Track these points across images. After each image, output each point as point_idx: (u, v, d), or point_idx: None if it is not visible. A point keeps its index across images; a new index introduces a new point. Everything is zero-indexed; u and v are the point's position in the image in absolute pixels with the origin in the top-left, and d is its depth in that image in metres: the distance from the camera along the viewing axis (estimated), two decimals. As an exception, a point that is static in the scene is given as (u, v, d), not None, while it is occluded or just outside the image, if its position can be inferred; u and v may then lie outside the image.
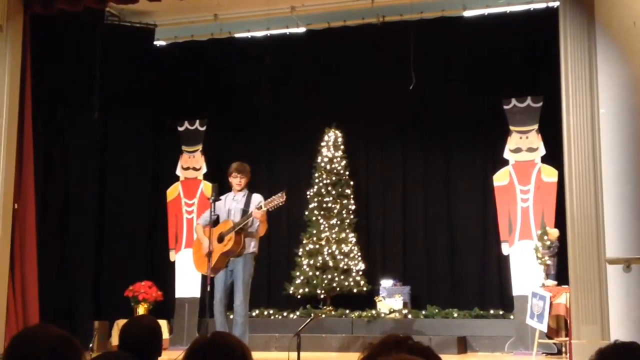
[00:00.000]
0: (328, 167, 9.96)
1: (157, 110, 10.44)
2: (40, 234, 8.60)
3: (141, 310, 9.20)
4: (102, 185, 9.89)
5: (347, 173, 10.04)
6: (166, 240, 10.06)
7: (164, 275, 9.88)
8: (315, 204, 9.88)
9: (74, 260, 9.29)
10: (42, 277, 8.47)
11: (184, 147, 10.24)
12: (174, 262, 9.94)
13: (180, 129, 10.26)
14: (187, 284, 9.69)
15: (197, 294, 9.59)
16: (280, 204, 6.83)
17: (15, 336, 2.17)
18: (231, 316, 7.14)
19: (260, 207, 6.81)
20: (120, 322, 9.06)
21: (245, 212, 6.98)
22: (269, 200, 6.83)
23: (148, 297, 9.27)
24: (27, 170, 8.47)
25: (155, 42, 10.43)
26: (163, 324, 8.67)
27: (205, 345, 2.16)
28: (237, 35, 10.39)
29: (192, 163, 10.18)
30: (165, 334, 8.99)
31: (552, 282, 8.09)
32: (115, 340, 9.04)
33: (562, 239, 7.72)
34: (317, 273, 9.56)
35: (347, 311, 9.33)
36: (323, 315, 9.20)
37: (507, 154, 8.95)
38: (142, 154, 10.28)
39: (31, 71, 8.55)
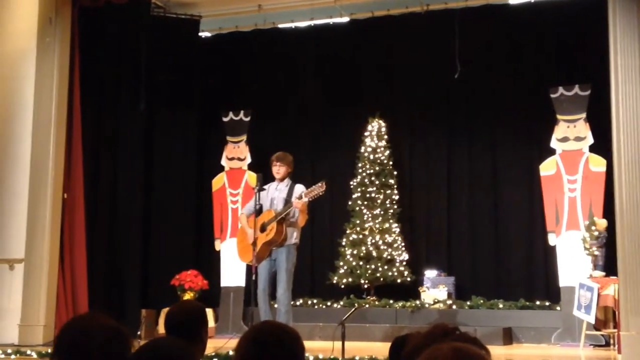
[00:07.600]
0: (371, 157, 9.92)
1: (202, 101, 10.52)
2: (89, 224, 8.74)
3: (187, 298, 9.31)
4: (149, 175, 10.00)
5: (390, 163, 9.98)
6: (211, 229, 10.15)
7: (210, 265, 9.98)
8: (359, 194, 9.86)
9: (121, 249, 9.42)
10: (91, 266, 8.63)
11: (228, 138, 10.30)
12: (219, 252, 10.03)
13: (225, 119, 10.32)
14: (233, 273, 9.78)
15: (242, 283, 9.67)
16: (320, 194, 6.84)
17: (65, 326, 2.16)
18: (275, 305, 7.19)
19: (301, 197, 6.83)
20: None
21: (287, 201, 7.01)
22: (309, 190, 6.85)
23: (194, 286, 9.37)
24: (76, 160, 8.62)
25: (200, 33, 10.50)
26: (209, 312, 8.75)
27: (256, 333, 2.18)
28: (280, 25, 10.41)
29: (237, 153, 10.25)
30: (211, 322, 9.09)
31: (599, 273, 7.96)
32: (162, 328, 9.17)
33: (610, 229, 7.60)
34: (361, 263, 9.55)
35: (391, 301, 9.30)
36: (367, 305, 9.20)
37: (554, 143, 8.80)
38: (188, 144, 10.38)
39: (79, 63, 8.71)
